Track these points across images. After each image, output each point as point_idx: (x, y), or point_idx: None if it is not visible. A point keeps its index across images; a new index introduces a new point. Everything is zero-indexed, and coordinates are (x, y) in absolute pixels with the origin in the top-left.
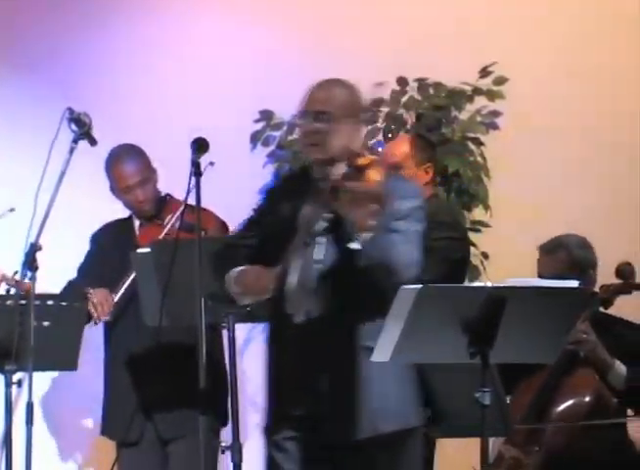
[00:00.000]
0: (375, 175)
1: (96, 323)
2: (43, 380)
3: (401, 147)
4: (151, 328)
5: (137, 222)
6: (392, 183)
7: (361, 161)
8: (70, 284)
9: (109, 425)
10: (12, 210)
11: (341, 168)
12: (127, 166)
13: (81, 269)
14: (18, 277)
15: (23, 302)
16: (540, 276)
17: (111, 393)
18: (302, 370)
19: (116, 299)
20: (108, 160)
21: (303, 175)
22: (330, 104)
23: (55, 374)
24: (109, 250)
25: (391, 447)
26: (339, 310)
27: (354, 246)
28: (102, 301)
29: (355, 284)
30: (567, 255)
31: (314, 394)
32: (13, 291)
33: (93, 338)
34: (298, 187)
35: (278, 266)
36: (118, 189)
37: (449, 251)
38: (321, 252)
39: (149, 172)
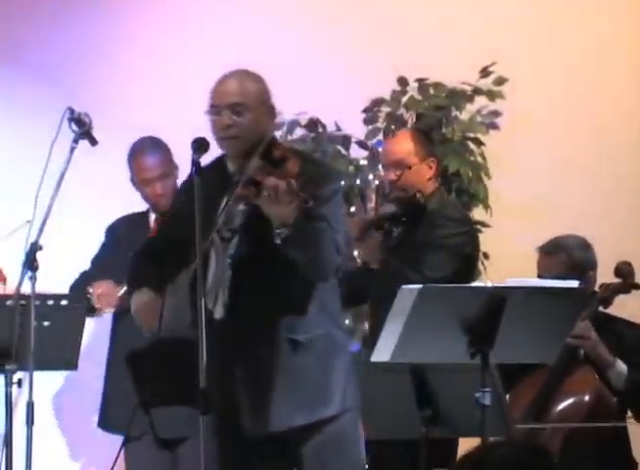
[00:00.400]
0: (293, 167)
1: (99, 315)
2: (44, 380)
3: (403, 143)
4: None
5: (153, 217)
6: (310, 169)
7: (277, 152)
8: (83, 274)
9: (108, 417)
10: (28, 222)
11: (255, 161)
12: (149, 159)
13: (95, 260)
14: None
15: (24, 302)
16: (540, 277)
17: (112, 386)
18: (222, 365)
19: (121, 292)
20: (131, 150)
21: (217, 170)
22: (244, 95)
23: (56, 374)
24: (123, 242)
25: (311, 438)
26: (258, 304)
27: (278, 241)
28: (105, 292)
29: (274, 276)
30: (567, 256)
31: (232, 387)
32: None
33: (95, 337)
34: (213, 182)
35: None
36: (138, 181)
37: (460, 247)
38: (236, 246)
39: (170, 167)
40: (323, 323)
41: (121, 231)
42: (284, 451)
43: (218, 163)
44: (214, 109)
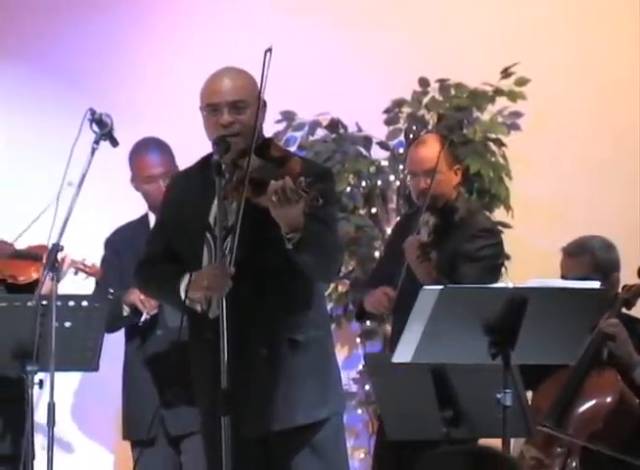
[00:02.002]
0: (295, 165)
1: (143, 320)
2: (64, 381)
3: (433, 150)
4: (171, 328)
5: (153, 219)
6: (309, 168)
7: (275, 151)
8: (101, 287)
9: (129, 427)
10: (70, 183)
11: (254, 160)
12: (152, 156)
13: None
14: (87, 262)
15: (45, 302)
16: (564, 278)
17: (129, 394)
18: (217, 363)
19: None
20: (133, 148)
21: (202, 170)
22: (243, 92)
23: (76, 375)
24: (124, 253)
25: (303, 440)
26: (256, 303)
27: (290, 246)
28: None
29: (272, 276)
30: (591, 258)
31: (232, 386)
32: (83, 276)
33: (114, 339)
34: (199, 182)
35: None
36: (140, 178)
37: (494, 258)
38: (231, 244)
39: (173, 166)
40: (317, 324)
41: (120, 243)
42: (270, 453)
43: (202, 163)
44: (212, 107)
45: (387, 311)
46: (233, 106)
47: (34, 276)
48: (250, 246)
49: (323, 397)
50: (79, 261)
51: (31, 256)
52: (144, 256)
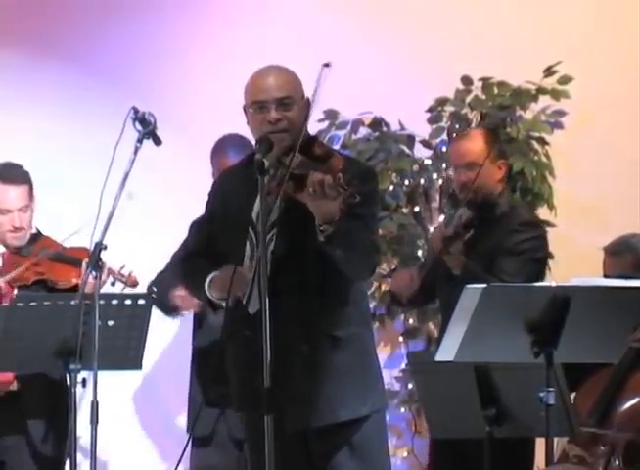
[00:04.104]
0: (338, 163)
1: (179, 315)
2: (107, 379)
3: (475, 144)
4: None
5: None
6: (353, 166)
7: (319, 149)
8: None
9: (191, 420)
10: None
11: (297, 157)
12: (231, 154)
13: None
14: (125, 272)
15: (88, 301)
16: (606, 277)
17: (192, 387)
18: (257, 361)
19: None
20: (214, 147)
21: (248, 167)
22: (289, 88)
23: (120, 374)
24: None
25: (343, 437)
26: (297, 300)
27: (322, 238)
28: (183, 298)
29: (313, 272)
30: (633, 256)
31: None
32: (120, 285)
33: (157, 338)
34: (243, 178)
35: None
36: None
37: (534, 251)
38: (274, 242)
39: None
40: (358, 321)
41: None
42: (311, 451)
43: (247, 160)
44: (258, 104)
45: (406, 292)
46: (280, 102)
47: (74, 282)
48: (292, 242)
49: (363, 394)
50: (117, 271)
51: (74, 261)
52: (185, 250)
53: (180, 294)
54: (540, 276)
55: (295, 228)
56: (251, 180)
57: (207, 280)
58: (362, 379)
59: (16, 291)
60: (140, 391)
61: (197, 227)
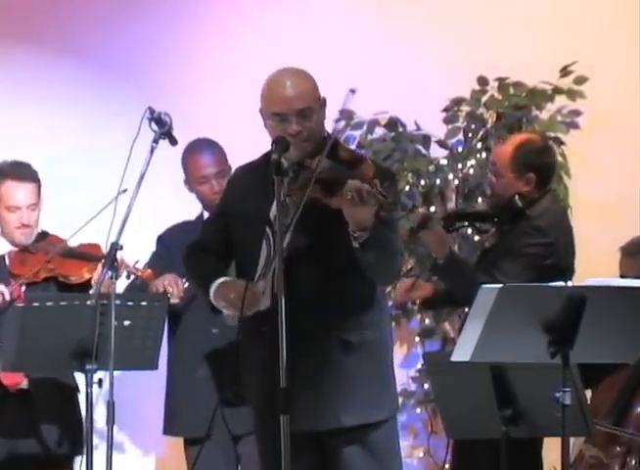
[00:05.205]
0: (369, 169)
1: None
2: (123, 379)
3: (504, 153)
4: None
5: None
6: (381, 172)
7: (344, 153)
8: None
9: (172, 423)
10: (125, 190)
11: (324, 161)
12: (206, 156)
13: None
14: (139, 266)
15: (104, 301)
16: (622, 278)
17: (175, 390)
18: (272, 361)
19: (187, 284)
20: (185, 150)
21: (266, 166)
22: (308, 99)
23: (136, 373)
24: (175, 250)
25: (355, 440)
26: (310, 301)
27: (357, 245)
28: (172, 283)
29: (330, 274)
30: None
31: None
32: (132, 278)
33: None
34: (265, 178)
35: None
36: (194, 179)
37: (539, 257)
38: (290, 242)
39: (226, 166)
40: (377, 326)
41: (173, 240)
42: (321, 449)
43: (265, 158)
44: (279, 117)
45: (406, 300)
46: (300, 114)
47: (86, 276)
48: (312, 245)
49: (377, 399)
50: (132, 265)
51: (85, 256)
52: (196, 240)
53: (165, 283)
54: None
55: (317, 231)
56: (267, 179)
57: (214, 286)
58: (376, 384)
59: (24, 288)
60: (155, 390)
61: (207, 222)
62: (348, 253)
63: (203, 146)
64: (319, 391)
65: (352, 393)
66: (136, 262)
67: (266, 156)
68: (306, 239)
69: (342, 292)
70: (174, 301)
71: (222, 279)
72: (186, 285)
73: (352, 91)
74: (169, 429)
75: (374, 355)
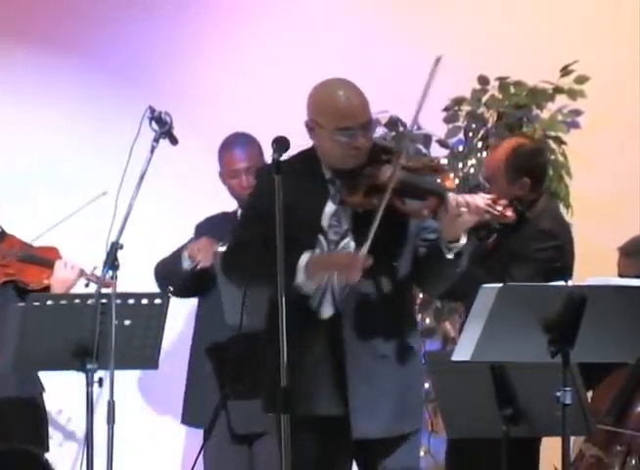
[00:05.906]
0: (450, 183)
1: (193, 268)
2: (123, 379)
3: (495, 158)
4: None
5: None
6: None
7: (417, 162)
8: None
9: (191, 413)
10: (104, 193)
11: (398, 171)
12: (238, 151)
13: None
14: (97, 273)
15: (105, 300)
16: (621, 277)
17: (193, 381)
18: (329, 367)
19: (220, 249)
20: (221, 144)
21: (308, 168)
22: (369, 110)
23: (136, 373)
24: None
25: (399, 446)
26: (375, 309)
27: (449, 256)
28: (204, 246)
29: (387, 284)
30: None
31: (339, 392)
32: (93, 286)
33: (175, 336)
34: (305, 179)
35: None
36: (226, 173)
37: (550, 261)
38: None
39: (259, 161)
40: (410, 335)
41: (207, 230)
42: (358, 455)
43: (308, 160)
44: (348, 131)
45: None
46: (365, 127)
47: (45, 283)
48: (380, 254)
49: (419, 406)
50: (89, 273)
51: (44, 261)
52: (238, 239)
53: (198, 246)
54: None
55: (385, 240)
56: (312, 182)
57: (303, 262)
58: (411, 395)
59: None
60: (156, 390)
61: (246, 221)
62: (411, 262)
63: (237, 140)
64: (390, 397)
65: (408, 399)
66: (94, 269)
67: (302, 154)
68: (377, 249)
69: (394, 301)
70: (204, 264)
71: (308, 254)
72: (219, 249)
73: (438, 60)
74: (187, 418)
75: (410, 365)
